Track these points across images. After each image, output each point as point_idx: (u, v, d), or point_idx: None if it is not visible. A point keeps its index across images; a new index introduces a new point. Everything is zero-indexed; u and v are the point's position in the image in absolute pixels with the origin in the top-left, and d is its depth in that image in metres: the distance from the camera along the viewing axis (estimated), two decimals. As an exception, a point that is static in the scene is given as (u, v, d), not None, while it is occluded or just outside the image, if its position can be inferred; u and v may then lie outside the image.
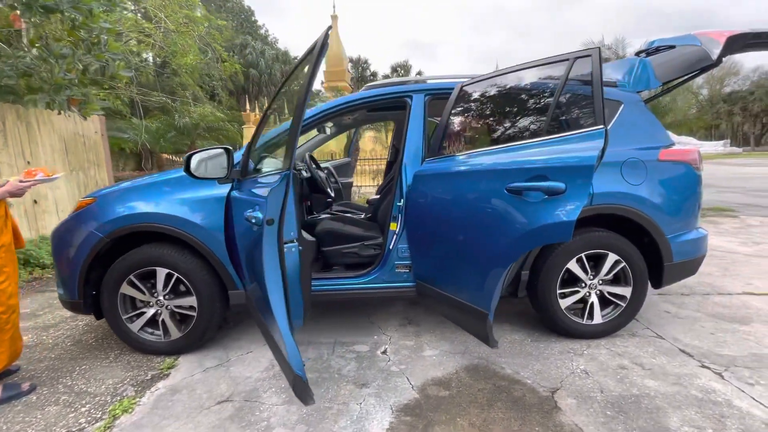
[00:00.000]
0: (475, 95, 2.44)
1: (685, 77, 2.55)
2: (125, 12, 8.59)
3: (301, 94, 1.61)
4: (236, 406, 1.96)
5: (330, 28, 1.54)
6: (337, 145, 10.15)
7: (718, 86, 43.14)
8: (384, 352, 2.45)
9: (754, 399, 1.90)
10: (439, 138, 2.42)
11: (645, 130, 2.47)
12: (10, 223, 2.09)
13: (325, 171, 3.91)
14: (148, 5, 9.04)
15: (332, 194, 3.41)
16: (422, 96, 2.56)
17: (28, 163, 4.86)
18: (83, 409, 1.96)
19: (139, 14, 10.27)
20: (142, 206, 2.35)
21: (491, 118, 2.46)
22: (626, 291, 2.46)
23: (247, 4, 32.51)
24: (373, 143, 14.89)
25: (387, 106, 2.84)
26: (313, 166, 3.36)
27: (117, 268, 2.34)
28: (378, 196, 3.90)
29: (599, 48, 1.79)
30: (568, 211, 1.69)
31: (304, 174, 3.17)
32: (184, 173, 2.18)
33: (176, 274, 2.35)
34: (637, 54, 2.73)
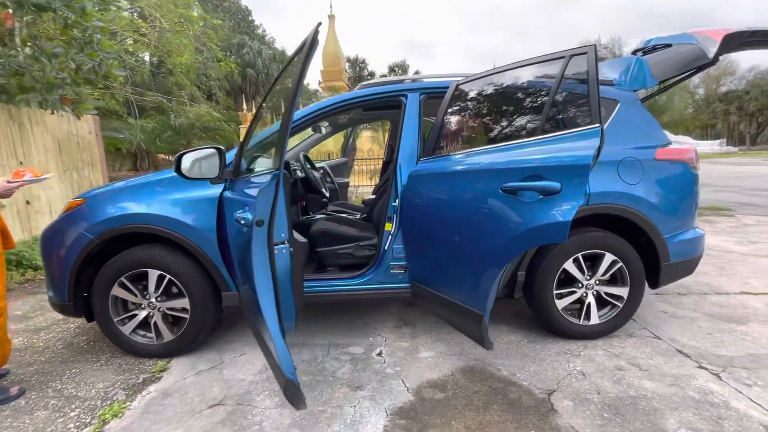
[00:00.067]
0: (471, 94, 2.41)
1: (682, 76, 2.54)
2: (120, 11, 8.52)
3: (290, 93, 1.58)
4: (228, 409, 1.93)
5: (320, 24, 1.51)
6: (334, 144, 10.11)
7: (715, 86, 43.32)
8: (379, 354, 2.42)
9: (751, 400, 1.89)
10: (434, 137, 2.39)
11: (641, 129, 2.46)
12: (-3, 224, 2.05)
13: (321, 171, 3.88)
14: (143, 4, 8.98)
15: (327, 194, 3.38)
16: (417, 95, 2.53)
17: (21, 163, 4.81)
18: (72, 414, 1.93)
19: (135, 14, 10.21)
20: (134, 207, 2.32)
21: (487, 117, 2.44)
22: (623, 291, 2.44)
23: (244, 4, 32.35)
24: (371, 143, 14.84)
25: (382, 106, 2.82)
26: (308, 165, 3.33)
27: (108, 270, 2.30)
28: (374, 196, 3.88)
29: (595, 45, 1.77)
30: (564, 211, 1.67)
31: (299, 174, 3.14)
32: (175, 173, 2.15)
33: (168, 276, 2.32)
34: (634, 52, 2.72)
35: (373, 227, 2.89)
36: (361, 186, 10.63)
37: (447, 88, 2.44)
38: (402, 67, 39.29)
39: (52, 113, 4.93)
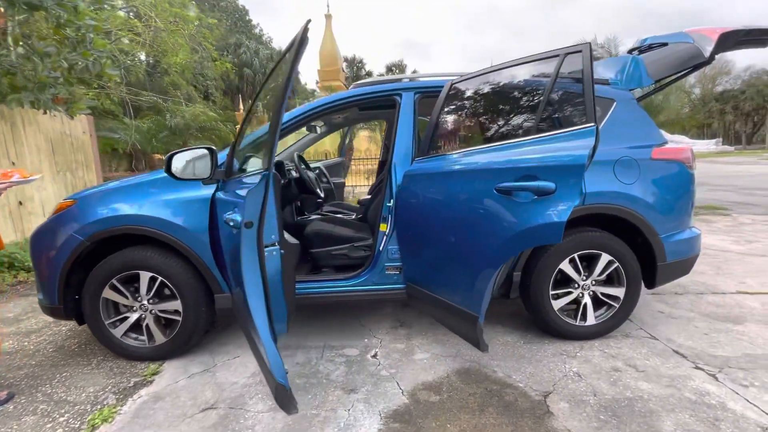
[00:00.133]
0: (465, 93, 2.39)
1: (678, 75, 2.53)
2: (115, 10, 8.46)
3: (279, 92, 1.55)
4: (221, 413, 1.90)
5: (309, 22, 1.48)
6: (331, 144, 10.07)
7: (710, 85, 43.52)
8: (374, 356, 2.40)
9: (748, 401, 1.87)
10: (428, 137, 2.37)
11: (638, 128, 2.44)
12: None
13: (316, 171, 3.85)
14: (137, 3, 8.91)
15: (322, 195, 3.35)
16: (412, 94, 2.51)
17: (13, 164, 4.75)
18: (61, 419, 1.90)
19: (131, 13, 10.13)
20: (125, 208, 2.29)
21: (481, 116, 2.42)
22: (619, 291, 2.43)
23: (241, 4, 32.19)
24: (368, 142, 14.80)
25: (376, 105, 2.79)
26: (302, 166, 3.30)
27: (99, 272, 2.27)
28: (369, 197, 3.85)
29: (590, 43, 1.75)
30: (559, 211, 1.65)
31: (294, 174, 3.11)
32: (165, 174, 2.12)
33: (160, 278, 2.29)
34: (630, 51, 2.70)
35: (369, 228, 2.86)
36: (359, 186, 10.60)
37: (442, 87, 2.41)
38: (399, 67, 39.21)
39: (45, 113, 4.89)
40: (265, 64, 28.44)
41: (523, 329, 2.67)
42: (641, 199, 2.33)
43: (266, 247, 1.55)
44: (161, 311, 2.35)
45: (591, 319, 2.45)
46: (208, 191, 2.25)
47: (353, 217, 3.42)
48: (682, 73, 2.49)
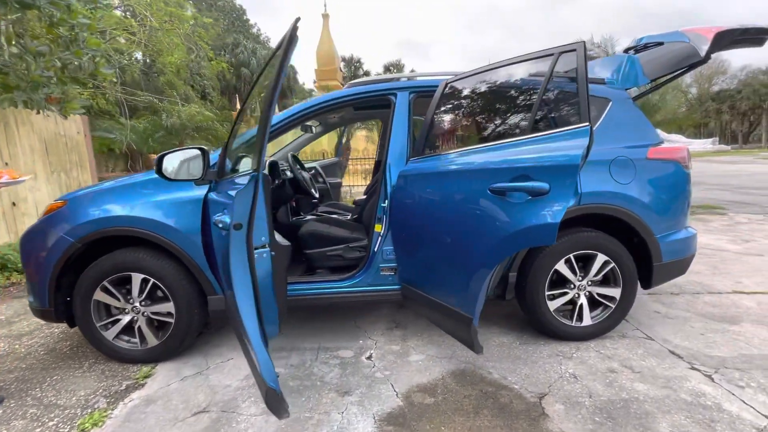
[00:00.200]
0: (460, 92, 2.38)
1: (674, 74, 2.51)
2: (110, 9, 8.40)
3: (269, 92, 1.53)
4: (213, 417, 1.88)
5: (298, 20, 1.46)
6: (329, 144, 10.05)
7: (707, 85, 43.69)
8: (369, 358, 2.38)
9: (744, 402, 1.86)
10: (423, 137, 2.35)
11: (633, 128, 2.43)
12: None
13: (312, 171, 3.83)
14: (132, 2, 8.86)
15: (317, 195, 3.33)
16: (407, 94, 2.49)
17: (6, 164, 4.71)
18: (51, 424, 1.87)
19: (127, 13, 10.08)
20: (116, 209, 2.26)
21: (476, 116, 2.40)
22: (615, 292, 2.42)
23: (238, 3, 32.12)
24: (365, 142, 14.77)
25: (371, 105, 2.77)
26: (297, 166, 3.27)
27: (90, 274, 2.24)
28: (365, 197, 3.83)
29: (584, 42, 1.73)
30: (553, 212, 1.63)
31: (288, 174, 3.09)
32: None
33: (153, 280, 2.26)
34: (626, 51, 2.69)
35: (364, 228, 2.84)
36: (356, 186, 10.57)
37: (437, 86, 2.40)
38: (398, 67, 39.18)
39: (38, 113, 4.84)
40: (262, 64, 28.39)
41: (518, 330, 2.66)
42: (637, 199, 2.32)
43: (256, 249, 1.53)
44: (153, 313, 2.32)
45: (587, 320, 2.44)
46: (200, 192, 2.23)
47: (348, 217, 3.40)
48: (678, 72, 2.48)
